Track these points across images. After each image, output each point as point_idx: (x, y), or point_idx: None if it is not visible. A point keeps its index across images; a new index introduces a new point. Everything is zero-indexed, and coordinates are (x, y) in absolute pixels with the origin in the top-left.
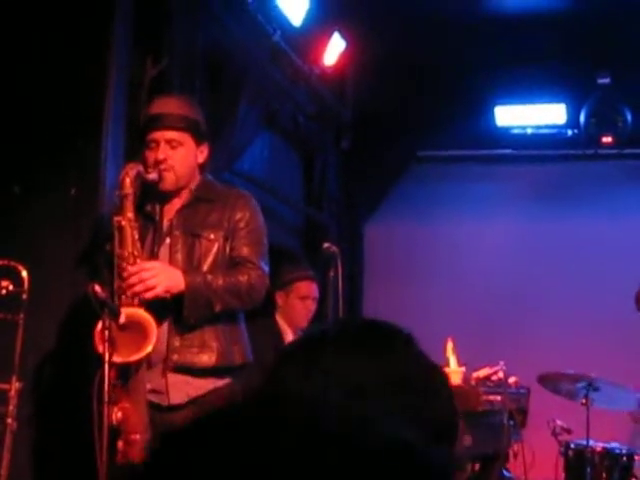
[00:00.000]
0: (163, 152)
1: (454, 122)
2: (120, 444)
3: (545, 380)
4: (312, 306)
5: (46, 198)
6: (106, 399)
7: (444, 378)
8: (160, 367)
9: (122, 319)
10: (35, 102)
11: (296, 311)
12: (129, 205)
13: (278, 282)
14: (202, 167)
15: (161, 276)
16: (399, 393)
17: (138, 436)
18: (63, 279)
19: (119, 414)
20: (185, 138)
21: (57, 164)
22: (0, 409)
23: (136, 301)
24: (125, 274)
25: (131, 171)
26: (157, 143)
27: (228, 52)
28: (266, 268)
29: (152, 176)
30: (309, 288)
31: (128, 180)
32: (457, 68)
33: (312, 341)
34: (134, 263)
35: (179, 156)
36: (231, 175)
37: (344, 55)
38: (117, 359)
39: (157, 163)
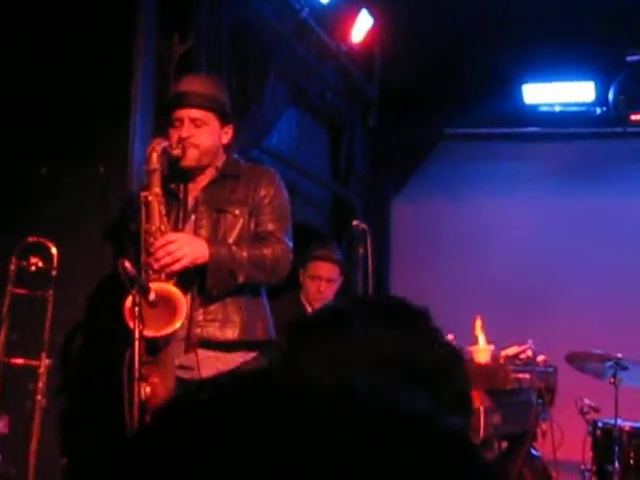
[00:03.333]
0: (187, 130)
1: (482, 100)
2: (148, 419)
3: (573, 359)
4: (325, 287)
5: (75, 176)
6: (137, 375)
7: (461, 356)
8: (183, 342)
9: (152, 295)
10: (63, 82)
11: (308, 291)
12: (156, 180)
13: (300, 260)
14: (227, 147)
15: (187, 247)
16: (417, 368)
17: None
18: (92, 256)
19: (147, 389)
20: (209, 118)
21: (85, 142)
22: (30, 386)
23: (163, 275)
24: (152, 249)
25: (158, 146)
26: (181, 121)
27: (255, 29)
28: (290, 243)
29: (176, 152)
30: (322, 268)
31: (155, 155)
32: (485, 45)
33: (330, 316)
34: (161, 238)
35: (203, 135)
36: (259, 152)
37: (371, 32)
38: (147, 333)
39: (180, 141)
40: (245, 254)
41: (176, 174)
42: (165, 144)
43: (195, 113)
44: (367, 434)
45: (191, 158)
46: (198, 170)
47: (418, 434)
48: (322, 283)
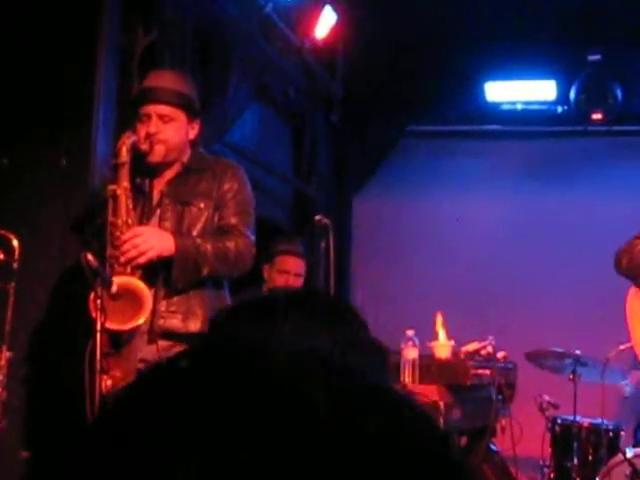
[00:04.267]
0: (155, 126)
1: (444, 97)
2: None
3: (533, 357)
4: (293, 281)
5: (37, 168)
6: (98, 368)
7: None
8: (146, 334)
9: (114, 288)
10: (24, 73)
11: (275, 285)
12: (125, 174)
13: (265, 255)
14: (193, 142)
15: (153, 240)
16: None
17: None
18: (54, 248)
19: (109, 382)
20: (177, 114)
21: (48, 135)
22: None
23: (129, 269)
24: (118, 242)
25: (127, 140)
26: (149, 117)
27: (219, 24)
28: (253, 237)
29: (144, 147)
30: (289, 263)
31: (125, 149)
32: (448, 43)
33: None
34: (127, 232)
35: (170, 131)
36: (221, 147)
37: (335, 29)
38: (111, 326)
39: (148, 136)
40: (209, 247)
41: (142, 168)
42: (134, 138)
43: (163, 109)
44: (339, 399)
45: (158, 154)
46: (164, 165)
47: (386, 403)
48: (290, 277)
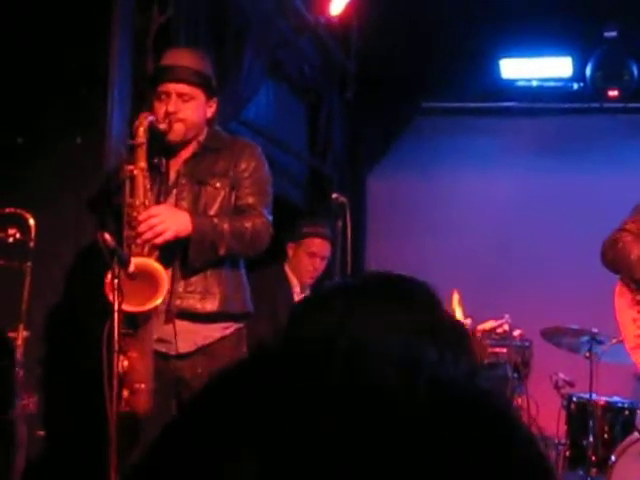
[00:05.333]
0: (174, 105)
1: (459, 74)
2: (125, 393)
3: (548, 334)
4: (319, 264)
5: (52, 148)
6: (116, 348)
7: (466, 330)
8: (163, 313)
9: (131, 268)
10: (39, 51)
11: (302, 266)
12: (142, 154)
13: (292, 234)
14: (210, 121)
15: (169, 220)
16: (437, 338)
17: (143, 385)
18: (69, 227)
19: (125, 363)
20: (197, 93)
21: (63, 113)
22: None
23: (146, 250)
24: (135, 223)
25: (145, 120)
26: (168, 95)
27: (233, 2)
28: (270, 217)
29: (163, 126)
30: (319, 246)
31: (142, 129)
32: (463, 20)
33: (336, 292)
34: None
35: (189, 110)
36: (237, 124)
37: (350, 5)
38: (127, 308)
39: (167, 115)
40: (227, 226)
41: (158, 148)
42: (152, 118)
43: (182, 88)
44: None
45: (177, 133)
46: (182, 144)
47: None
48: (317, 260)
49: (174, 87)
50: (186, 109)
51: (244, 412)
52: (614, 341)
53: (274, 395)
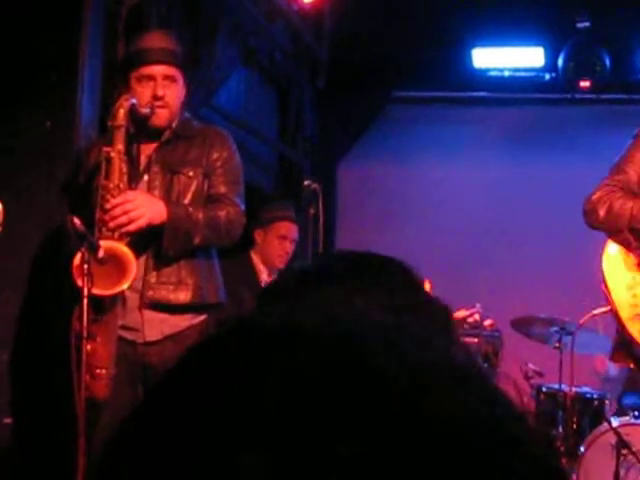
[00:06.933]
0: (162, 88)
1: (431, 63)
2: (86, 378)
3: (518, 324)
4: (289, 247)
5: (21, 132)
6: (84, 334)
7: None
8: (135, 303)
9: (101, 253)
10: (9, 36)
11: (272, 250)
12: (120, 137)
13: (259, 219)
14: (183, 106)
15: (144, 207)
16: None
17: (104, 371)
18: (38, 212)
19: (88, 347)
20: (178, 74)
21: (32, 97)
22: None
23: (116, 234)
24: (108, 206)
25: (125, 103)
26: (151, 78)
27: None
28: (243, 206)
29: (145, 111)
30: (288, 229)
31: (122, 112)
32: (436, 9)
33: (305, 274)
34: (118, 196)
35: (174, 93)
36: (208, 110)
37: None
38: (95, 291)
39: (156, 99)
40: (201, 215)
41: (129, 132)
42: (134, 101)
43: (168, 70)
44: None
45: (162, 118)
46: (154, 129)
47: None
48: (287, 243)
49: (159, 69)
50: (171, 92)
51: (210, 391)
52: (596, 312)
53: (231, 373)
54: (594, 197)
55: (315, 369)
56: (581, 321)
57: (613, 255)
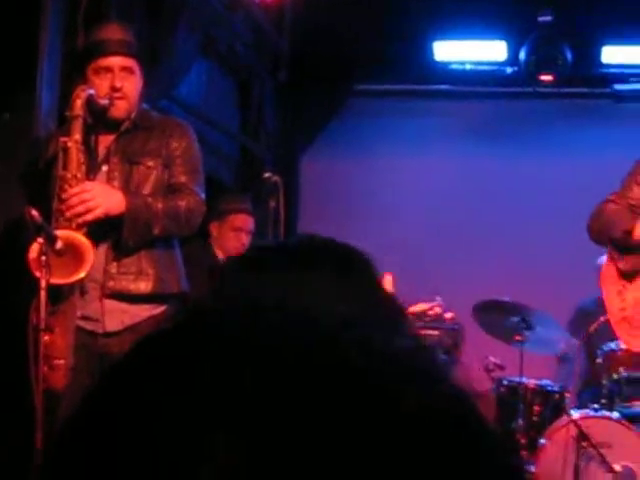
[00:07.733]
0: (120, 80)
1: (392, 56)
2: (44, 369)
3: (480, 311)
4: (245, 239)
5: None
6: (42, 326)
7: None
8: (96, 294)
9: (59, 244)
10: None
11: (228, 242)
12: (77, 127)
13: (214, 212)
14: (141, 97)
15: (101, 197)
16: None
17: (62, 361)
18: None
19: (46, 338)
20: (135, 65)
21: None
22: None
23: (74, 224)
24: (65, 195)
25: (82, 93)
26: (109, 70)
27: None
28: (203, 195)
29: (103, 102)
30: (244, 221)
31: (79, 102)
32: (397, 1)
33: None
34: (76, 186)
35: (132, 84)
36: (169, 102)
37: None
38: (52, 280)
39: (114, 90)
40: (160, 205)
41: (88, 123)
42: (91, 92)
43: (126, 61)
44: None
45: (122, 109)
46: (112, 120)
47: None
48: (243, 235)
49: (116, 61)
50: (129, 83)
51: (164, 372)
52: (602, 319)
53: (192, 353)
54: (591, 214)
55: (271, 349)
56: (590, 328)
57: (606, 264)
